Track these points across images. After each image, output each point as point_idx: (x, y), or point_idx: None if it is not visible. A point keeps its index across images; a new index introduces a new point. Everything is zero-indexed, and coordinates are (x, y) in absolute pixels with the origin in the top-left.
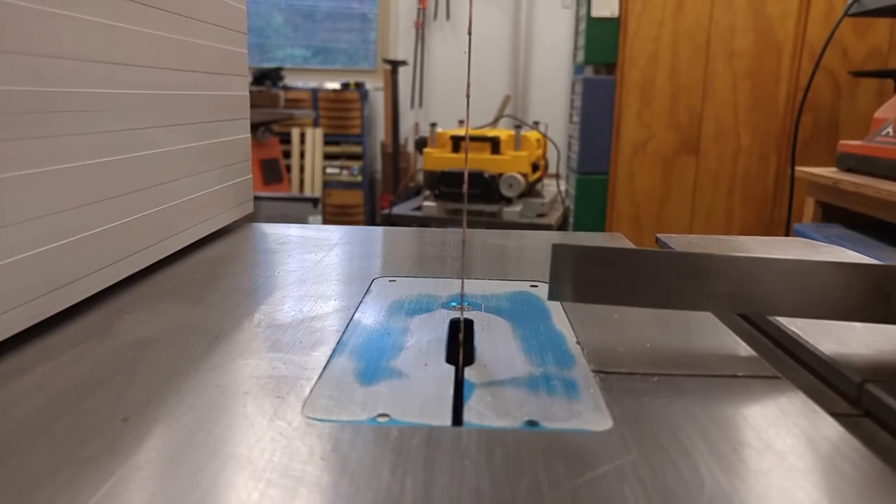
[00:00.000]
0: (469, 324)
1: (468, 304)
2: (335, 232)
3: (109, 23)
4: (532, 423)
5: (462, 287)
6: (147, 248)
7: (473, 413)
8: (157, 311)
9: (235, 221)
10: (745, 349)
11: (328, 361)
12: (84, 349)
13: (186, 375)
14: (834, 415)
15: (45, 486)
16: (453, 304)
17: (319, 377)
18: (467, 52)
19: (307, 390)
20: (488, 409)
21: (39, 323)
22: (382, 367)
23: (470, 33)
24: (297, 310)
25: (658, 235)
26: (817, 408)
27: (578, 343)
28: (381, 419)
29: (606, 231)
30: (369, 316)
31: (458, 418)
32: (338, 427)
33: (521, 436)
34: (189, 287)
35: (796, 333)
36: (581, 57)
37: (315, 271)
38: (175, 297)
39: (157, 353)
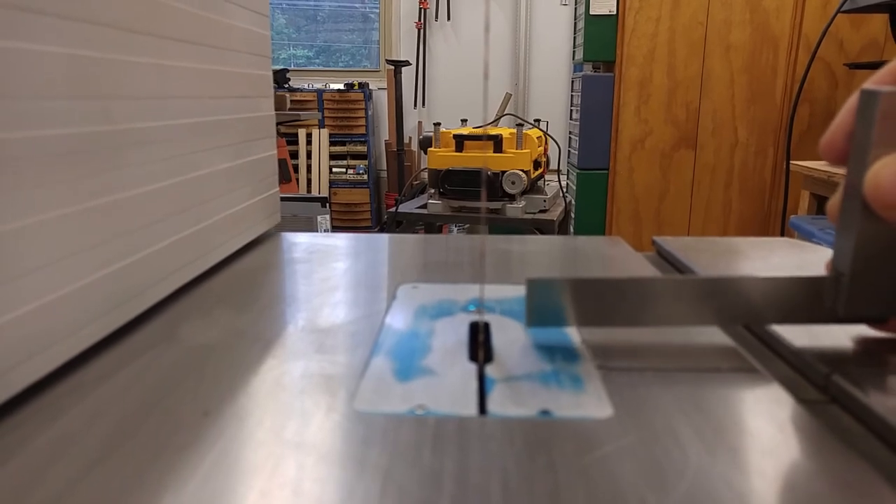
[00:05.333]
0: (487, 326)
1: (485, 307)
2: (357, 241)
3: (161, 62)
4: (545, 412)
5: (481, 292)
6: (194, 262)
7: (496, 404)
8: (210, 319)
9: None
10: (729, 345)
11: (369, 361)
12: (155, 354)
13: (248, 376)
14: (805, 401)
15: (154, 469)
16: (471, 307)
17: (363, 375)
18: (485, 51)
19: (354, 387)
20: (508, 400)
21: (113, 332)
22: (415, 366)
23: (487, 29)
24: (335, 315)
25: (655, 238)
26: (788, 396)
27: (583, 342)
28: (419, 410)
29: (607, 225)
30: (398, 320)
31: (482, 409)
32: (384, 417)
33: (536, 423)
34: (234, 296)
35: (774, 330)
36: (580, 55)
37: (345, 279)
38: (223, 306)
39: (219, 357)
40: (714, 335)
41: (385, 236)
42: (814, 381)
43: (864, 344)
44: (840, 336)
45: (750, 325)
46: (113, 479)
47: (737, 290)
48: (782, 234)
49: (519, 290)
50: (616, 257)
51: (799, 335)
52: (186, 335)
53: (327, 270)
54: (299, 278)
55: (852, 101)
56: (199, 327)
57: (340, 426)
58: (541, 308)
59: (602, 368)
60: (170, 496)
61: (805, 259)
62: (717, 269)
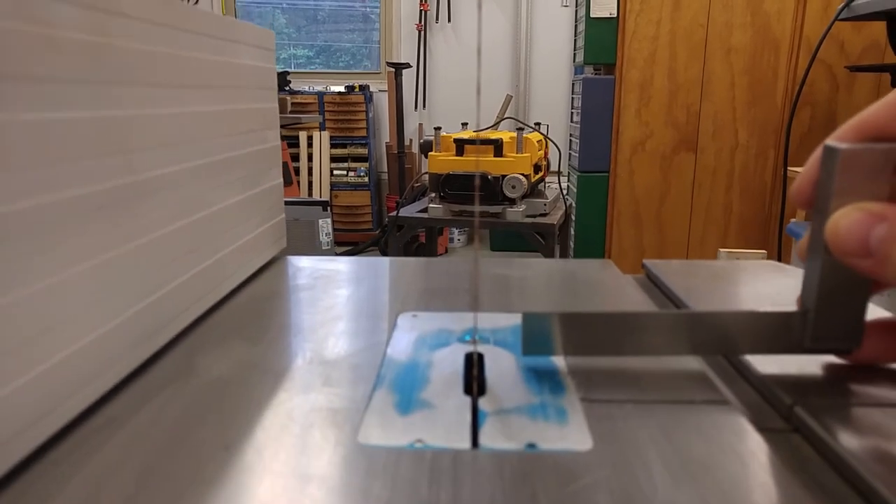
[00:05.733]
0: (481, 358)
1: (479, 337)
2: (359, 265)
3: (179, 110)
4: (531, 445)
5: (475, 322)
6: (209, 293)
7: (487, 437)
8: (223, 350)
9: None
10: (703, 375)
11: (371, 394)
12: (176, 388)
13: (263, 410)
14: (769, 430)
15: (185, 499)
16: (466, 337)
17: (366, 409)
18: (477, 71)
19: (358, 420)
20: (498, 434)
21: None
22: (414, 399)
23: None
24: (340, 346)
25: (644, 262)
26: (751, 428)
27: (569, 373)
28: (417, 444)
29: (608, 227)
30: (399, 351)
31: (475, 441)
32: (385, 451)
33: (523, 456)
34: (245, 327)
35: (747, 358)
36: (581, 57)
37: (347, 307)
38: (235, 338)
39: (234, 391)
40: (690, 363)
41: (386, 260)
42: (779, 411)
43: (829, 372)
44: (808, 365)
45: (726, 355)
46: None
47: (712, 323)
48: (780, 238)
49: (512, 319)
50: (606, 282)
51: (769, 364)
52: (203, 368)
53: (331, 298)
54: (305, 307)
55: (818, 152)
56: (213, 360)
57: (346, 460)
58: (534, 339)
59: (585, 401)
60: None
61: (785, 284)
62: (700, 294)
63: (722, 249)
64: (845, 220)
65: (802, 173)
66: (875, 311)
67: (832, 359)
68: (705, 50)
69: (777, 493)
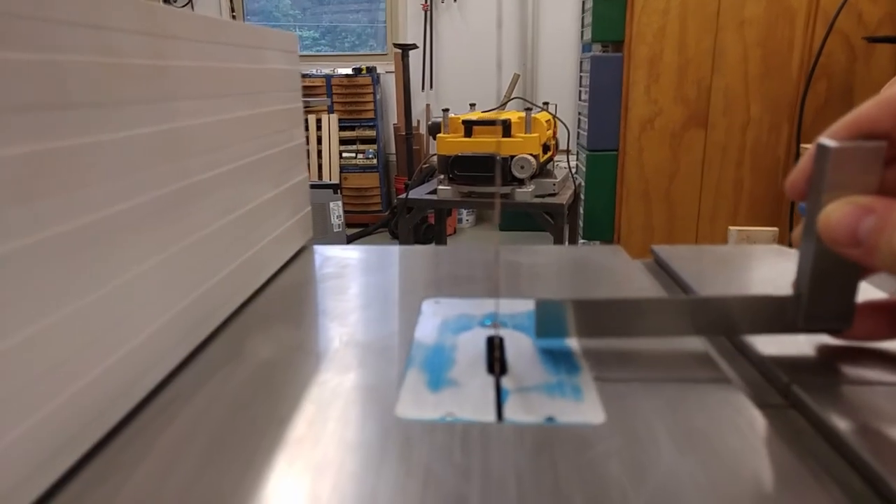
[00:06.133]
0: (502, 341)
1: (499, 322)
2: (381, 254)
3: (221, 118)
4: (550, 419)
5: (497, 307)
6: (248, 283)
7: (510, 412)
8: (267, 335)
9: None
10: (707, 356)
11: (405, 374)
12: (229, 369)
13: (309, 387)
14: (768, 406)
15: (251, 468)
16: (487, 321)
17: (401, 386)
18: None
19: (394, 397)
20: (520, 409)
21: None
22: (443, 378)
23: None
24: (372, 331)
25: (653, 247)
26: (750, 404)
27: (583, 355)
28: (448, 417)
29: (617, 206)
30: (426, 335)
31: (500, 415)
32: (420, 423)
33: (543, 428)
34: (283, 313)
35: (747, 340)
36: (588, 35)
37: (374, 294)
38: (278, 323)
39: (282, 371)
40: (695, 345)
41: (405, 248)
42: (777, 388)
43: (824, 352)
44: (805, 346)
45: (727, 336)
46: (224, 476)
47: (714, 306)
48: (792, 215)
49: (529, 305)
50: (616, 268)
51: (769, 344)
52: (250, 351)
53: (358, 285)
54: (336, 294)
55: (812, 149)
56: (260, 343)
57: (387, 430)
58: (547, 323)
59: (598, 380)
60: (270, 487)
61: (787, 268)
62: (706, 278)
63: (732, 227)
64: (836, 212)
65: (797, 168)
66: (869, 291)
67: (828, 339)
68: (717, 22)
69: (771, 461)
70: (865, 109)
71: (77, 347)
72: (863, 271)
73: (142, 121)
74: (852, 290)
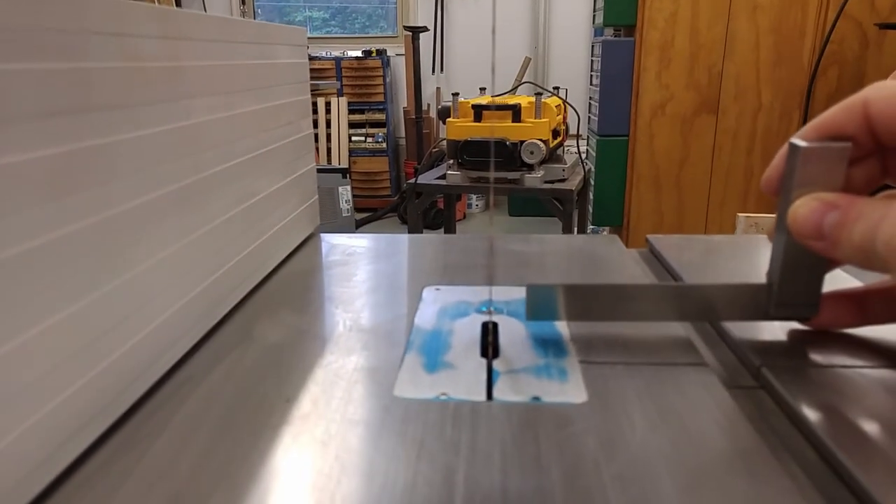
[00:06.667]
0: (496, 326)
1: (494, 308)
2: (387, 243)
3: (232, 113)
4: (536, 398)
5: (490, 295)
6: (257, 269)
7: (500, 392)
8: (275, 319)
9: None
10: (689, 341)
11: (404, 357)
12: (240, 352)
13: (314, 369)
14: (740, 387)
15: (261, 440)
16: (483, 308)
17: (399, 368)
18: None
19: (393, 378)
20: (509, 389)
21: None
22: (439, 361)
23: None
24: (374, 316)
25: (648, 237)
26: (722, 386)
27: (571, 338)
28: (442, 396)
29: (627, 192)
30: (425, 321)
31: (490, 395)
32: (416, 402)
33: (529, 406)
34: (291, 299)
35: (726, 325)
36: (600, 19)
37: (378, 281)
38: (286, 308)
39: (289, 353)
40: (678, 330)
41: (409, 237)
42: (749, 371)
43: (795, 337)
44: (779, 331)
45: (709, 321)
46: (235, 449)
47: (694, 294)
48: None
49: (524, 292)
50: (611, 257)
51: (746, 329)
52: (259, 335)
53: (362, 273)
54: (341, 281)
55: (785, 148)
56: (268, 327)
57: (385, 408)
58: (538, 306)
59: (584, 362)
60: (277, 459)
61: None
62: (694, 267)
63: (741, 214)
64: (803, 208)
65: (770, 166)
66: (843, 280)
67: (800, 326)
68: (730, 8)
69: (734, 437)
70: (831, 114)
71: (102, 330)
72: (828, 263)
73: (159, 119)
74: (819, 280)
